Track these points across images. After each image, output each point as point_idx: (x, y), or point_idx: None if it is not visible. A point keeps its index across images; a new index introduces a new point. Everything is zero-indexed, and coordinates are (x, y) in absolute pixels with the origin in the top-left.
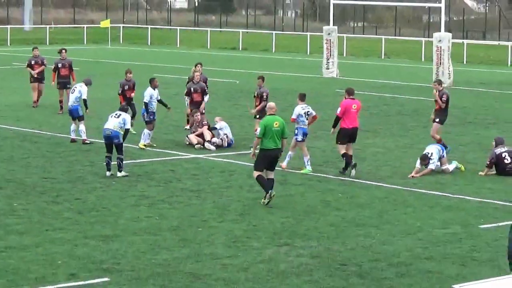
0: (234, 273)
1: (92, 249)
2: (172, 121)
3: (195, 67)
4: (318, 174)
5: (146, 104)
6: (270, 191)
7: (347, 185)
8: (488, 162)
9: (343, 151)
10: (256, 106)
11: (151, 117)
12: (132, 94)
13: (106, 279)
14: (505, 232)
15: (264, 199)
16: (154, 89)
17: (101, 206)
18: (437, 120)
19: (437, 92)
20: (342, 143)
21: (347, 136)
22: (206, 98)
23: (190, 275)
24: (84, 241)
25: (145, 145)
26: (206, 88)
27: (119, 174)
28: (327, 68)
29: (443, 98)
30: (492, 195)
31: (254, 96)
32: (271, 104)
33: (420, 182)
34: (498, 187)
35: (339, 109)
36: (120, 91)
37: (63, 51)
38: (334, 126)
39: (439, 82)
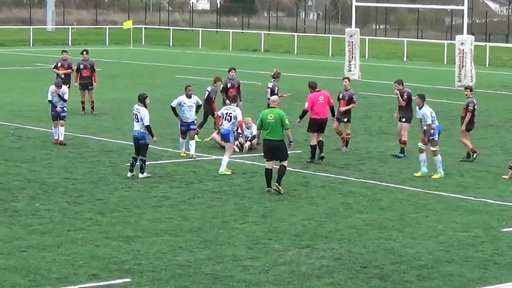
0: (255, 274)
1: (114, 249)
2: None
3: (229, 72)
4: (340, 177)
5: (172, 108)
6: (276, 184)
7: (369, 187)
8: (511, 165)
9: (313, 142)
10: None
11: (182, 126)
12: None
13: (127, 279)
14: None
15: (267, 188)
16: (189, 98)
17: (123, 207)
18: (403, 119)
19: (398, 91)
20: (313, 132)
21: (316, 126)
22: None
23: (211, 277)
24: (105, 241)
25: (185, 153)
26: (240, 85)
27: (141, 175)
28: (349, 70)
29: (404, 96)
30: None
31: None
32: (273, 97)
33: (442, 185)
34: None
35: (306, 104)
36: (221, 89)
37: (85, 52)
38: (301, 117)
39: (400, 82)
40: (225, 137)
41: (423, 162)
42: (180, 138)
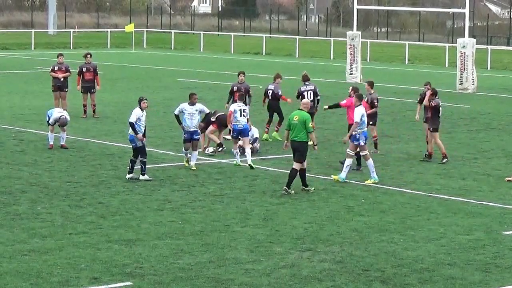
0: (256, 278)
1: (115, 253)
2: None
3: (238, 76)
4: None
5: (175, 116)
6: (285, 188)
7: (370, 190)
8: None
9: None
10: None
11: (185, 135)
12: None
13: (128, 283)
14: None
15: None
16: (192, 105)
17: (124, 210)
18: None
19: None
20: None
21: None
22: (248, 100)
23: (212, 280)
24: (107, 245)
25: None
26: (249, 89)
27: (141, 177)
28: (351, 74)
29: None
30: None
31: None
32: (304, 100)
33: (443, 188)
34: None
35: (344, 101)
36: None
37: (88, 55)
38: (330, 107)
39: (429, 85)
40: (245, 132)
41: (346, 167)
42: (183, 148)
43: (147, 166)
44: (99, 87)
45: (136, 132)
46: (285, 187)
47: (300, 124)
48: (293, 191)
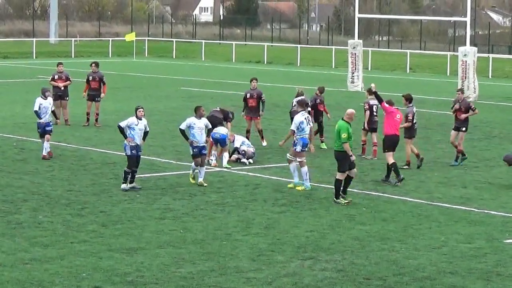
0: (258, 286)
1: (117, 261)
2: None
3: (251, 82)
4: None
5: (181, 131)
6: (337, 196)
7: (372, 199)
8: None
9: (391, 160)
10: None
11: (194, 150)
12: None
13: None
14: None
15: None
16: (200, 118)
17: (126, 219)
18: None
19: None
20: (390, 151)
21: (393, 143)
22: (262, 107)
23: None
24: (108, 253)
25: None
26: (262, 95)
27: (129, 185)
28: (352, 82)
29: (365, 107)
30: None
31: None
32: (348, 110)
33: (445, 196)
34: None
35: (386, 104)
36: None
37: (94, 64)
38: (378, 97)
39: (369, 91)
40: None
41: (293, 171)
42: (193, 164)
43: (146, 175)
44: (103, 95)
45: (124, 136)
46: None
47: (337, 133)
48: (347, 200)
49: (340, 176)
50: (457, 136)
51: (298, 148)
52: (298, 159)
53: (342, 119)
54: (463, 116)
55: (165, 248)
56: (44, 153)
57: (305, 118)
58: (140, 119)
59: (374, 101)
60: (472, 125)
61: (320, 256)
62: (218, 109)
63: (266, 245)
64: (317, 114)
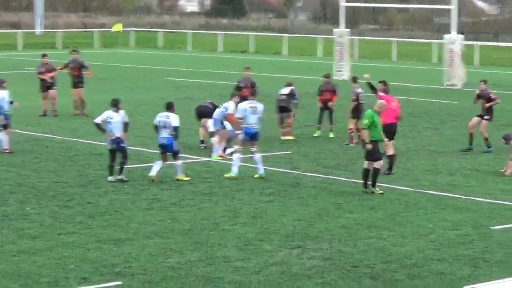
0: (246, 276)
1: (104, 252)
2: (184, 125)
3: (245, 71)
4: (330, 177)
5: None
6: (365, 185)
7: (359, 187)
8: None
9: (391, 152)
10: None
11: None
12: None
13: (118, 282)
14: None
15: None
16: (117, 112)
17: (113, 210)
18: (486, 117)
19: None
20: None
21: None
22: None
23: (202, 278)
24: (96, 245)
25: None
26: (255, 84)
27: (118, 176)
28: (339, 71)
29: (353, 96)
30: (504, 196)
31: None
32: (378, 101)
33: (432, 184)
34: (510, 188)
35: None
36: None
37: (73, 51)
38: (370, 86)
39: (354, 80)
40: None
41: (235, 160)
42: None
43: (133, 165)
44: (89, 73)
45: (103, 131)
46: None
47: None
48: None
49: (366, 165)
50: (480, 124)
51: (240, 137)
52: (235, 146)
53: (371, 108)
54: (487, 105)
55: (152, 238)
56: (6, 146)
57: (250, 107)
58: (117, 112)
59: (359, 89)
60: (458, 112)
61: (308, 245)
62: (209, 101)
63: (254, 234)
64: (324, 102)
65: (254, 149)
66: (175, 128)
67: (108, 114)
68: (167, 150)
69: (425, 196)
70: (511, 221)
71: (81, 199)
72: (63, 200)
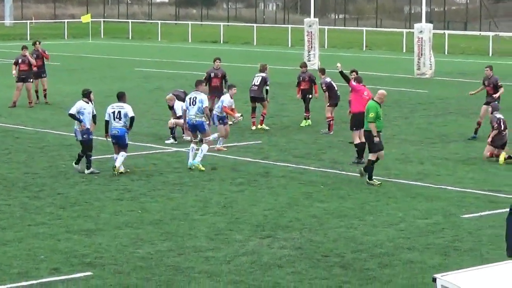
0: (217, 265)
1: (75, 243)
2: (153, 115)
3: (214, 62)
4: (300, 166)
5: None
6: (370, 178)
7: (329, 176)
8: (495, 125)
9: (358, 140)
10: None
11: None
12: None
13: (89, 273)
14: (486, 221)
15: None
16: (88, 103)
17: (84, 201)
18: (328, 104)
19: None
20: (358, 129)
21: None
22: (225, 85)
23: (172, 268)
24: (66, 235)
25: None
26: (226, 74)
27: (86, 171)
28: (309, 60)
29: (323, 87)
30: (473, 184)
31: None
32: (379, 91)
33: (402, 173)
34: (480, 176)
35: (354, 82)
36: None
37: (37, 42)
38: (343, 75)
39: (322, 71)
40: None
41: (190, 151)
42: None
43: (103, 156)
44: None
45: (79, 121)
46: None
47: (366, 113)
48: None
49: (372, 156)
50: (487, 110)
51: (185, 126)
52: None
53: (373, 99)
54: (496, 95)
55: (123, 229)
56: None
57: (190, 98)
58: (88, 103)
59: (328, 79)
60: (428, 101)
61: (278, 234)
62: (182, 90)
63: (224, 224)
64: (302, 91)
65: (202, 139)
66: (132, 119)
67: (81, 104)
68: (118, 141)
69: (396, 185)
70: (481, 209)
71: (51, 190)
72: (33, 191)
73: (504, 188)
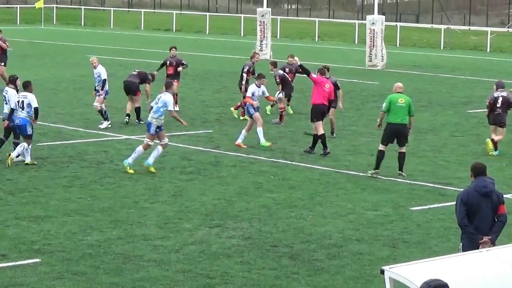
0: (165, 254)
1: (23, 230)
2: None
3: (170, 50)
4: (250, 156)
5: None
6: (399, 172)
7: (280, 166)
8: (487, 103)
9: (322, 131)
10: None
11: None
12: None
13: (37, 260)
14: (435, 214)
15: (372, 171)
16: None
17: (33, 187)
18: (280, 95)
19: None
20: (318, 120)
21: (321, 112)
22: (181, 68)
23: (121, 256)
24: (15, 221)
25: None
26: (182, 62)
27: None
28: (261, 50)
29: (277, 80)
30: (423, 177)
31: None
32: (398, 84)
33: (352, 164)
34: (429, 169)
35: (315, 75)
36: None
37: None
38: (302, 69)
39: (274, 64)
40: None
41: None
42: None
43: (53, 142)
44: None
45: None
46: (374, 169)
47: (406, 107)
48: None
49: (381, 147)
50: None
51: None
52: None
53: (398, 92)
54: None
55: (72, 216)
56: None
57: (158, 98)
58: (13, 89)
59: (280, 71)
60: (379, 93)
61: (228, 224)
62: (135, 72)
63: (174, 213)
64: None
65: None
66: (36, 109)
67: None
68: (21, 131)
69: (345, 176)
70: (430, 202)
71: (0, 176)
72: None
73: (453, 181)
